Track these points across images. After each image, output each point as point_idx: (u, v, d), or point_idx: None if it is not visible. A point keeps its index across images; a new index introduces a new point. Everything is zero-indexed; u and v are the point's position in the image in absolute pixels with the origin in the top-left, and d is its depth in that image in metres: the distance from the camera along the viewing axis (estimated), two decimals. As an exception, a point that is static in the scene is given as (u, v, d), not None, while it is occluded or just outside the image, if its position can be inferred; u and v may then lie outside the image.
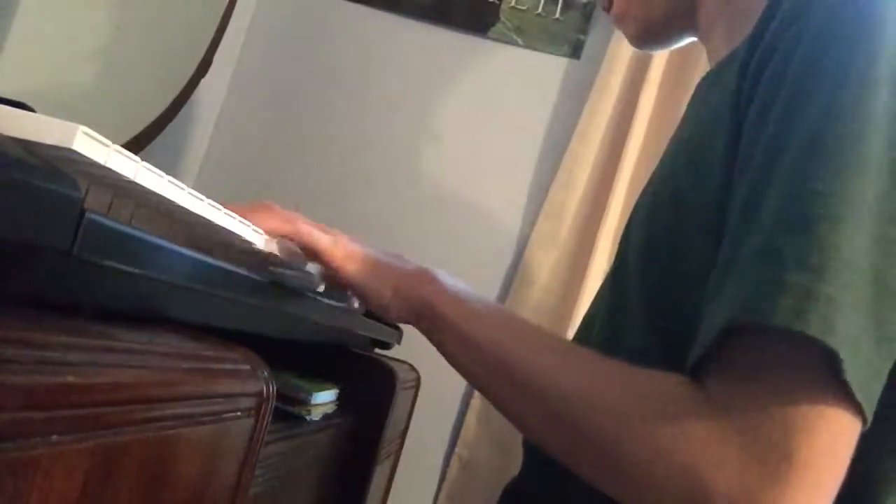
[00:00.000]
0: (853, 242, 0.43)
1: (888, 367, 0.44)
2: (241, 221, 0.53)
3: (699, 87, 0.72)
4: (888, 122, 0.46)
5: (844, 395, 0.42)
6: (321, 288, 0.70)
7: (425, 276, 0.63)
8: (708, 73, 0.70)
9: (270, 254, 0.59)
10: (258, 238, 0.57)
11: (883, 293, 0.44)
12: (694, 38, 0.78)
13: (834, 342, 0.41)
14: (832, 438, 0.42)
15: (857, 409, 0.42)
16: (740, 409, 0.43)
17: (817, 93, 0.48)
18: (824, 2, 0.51)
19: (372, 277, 0.64)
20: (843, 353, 0.41)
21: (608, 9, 0.79)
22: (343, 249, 0.64)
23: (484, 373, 0.58)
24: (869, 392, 0.43)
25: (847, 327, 0.42)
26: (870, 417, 0.43)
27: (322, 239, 0.64)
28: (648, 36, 0.78)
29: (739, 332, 0.44)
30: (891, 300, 0.44)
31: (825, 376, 0.42)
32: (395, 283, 0.63)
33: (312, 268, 0.67)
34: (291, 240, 0.63)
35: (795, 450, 0.41)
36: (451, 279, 0.63)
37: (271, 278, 0.58)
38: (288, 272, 0.63)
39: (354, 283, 0.64)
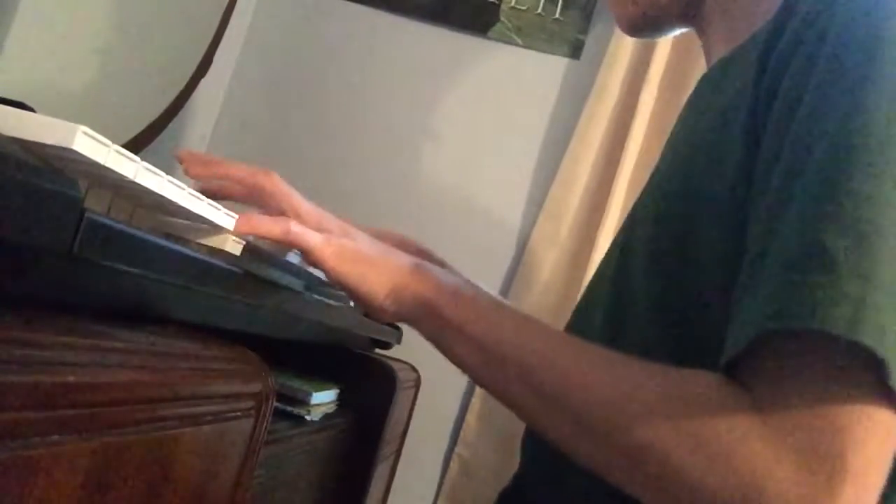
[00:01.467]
0: (893, 248, 0.43)
1: None
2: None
3: (703, 80, 0.71)
4: None
5: (889, 401, 0.42)
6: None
7: (418, 274, 0.59)
8: (714, 66, 0.69)
9: (270, 254, 0.59)
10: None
11: None
12: (684, 30, 0.76)
13: (886, 353, 0.41)
14: (880, 444, 0.42)
15: None
16: (792, 414, 0.43)
17: (843, 91, 0.47)
18: None
19: (364, 279, 0.59)
20: (892, 362, 0.41)
21: None
22: (333, 248, 0.59)
23: (499, 378, 0.54)
24: None
25: (892, 335, 0.42)
26: None
27: (312, 239, 0.59)
28: (645, 22, 0.74)
29: (785, 332, 0.44)
30: None
31: (872, 383, 0.42)
32: (390, 284, 0.58)
33: (294, 258, 0.66)
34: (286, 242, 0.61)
35: (849, 458, 0.41)
36: (445, 274, 0.59)
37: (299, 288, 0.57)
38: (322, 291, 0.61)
39: (345, 285, 0.59)
